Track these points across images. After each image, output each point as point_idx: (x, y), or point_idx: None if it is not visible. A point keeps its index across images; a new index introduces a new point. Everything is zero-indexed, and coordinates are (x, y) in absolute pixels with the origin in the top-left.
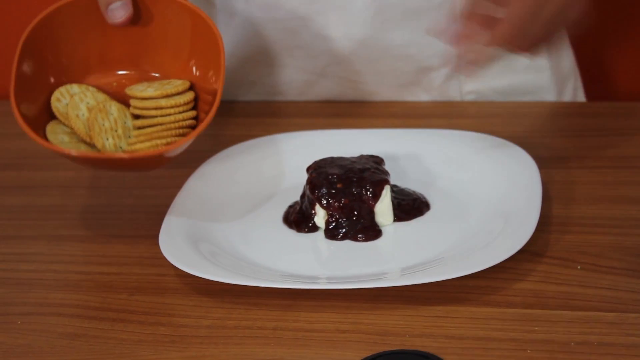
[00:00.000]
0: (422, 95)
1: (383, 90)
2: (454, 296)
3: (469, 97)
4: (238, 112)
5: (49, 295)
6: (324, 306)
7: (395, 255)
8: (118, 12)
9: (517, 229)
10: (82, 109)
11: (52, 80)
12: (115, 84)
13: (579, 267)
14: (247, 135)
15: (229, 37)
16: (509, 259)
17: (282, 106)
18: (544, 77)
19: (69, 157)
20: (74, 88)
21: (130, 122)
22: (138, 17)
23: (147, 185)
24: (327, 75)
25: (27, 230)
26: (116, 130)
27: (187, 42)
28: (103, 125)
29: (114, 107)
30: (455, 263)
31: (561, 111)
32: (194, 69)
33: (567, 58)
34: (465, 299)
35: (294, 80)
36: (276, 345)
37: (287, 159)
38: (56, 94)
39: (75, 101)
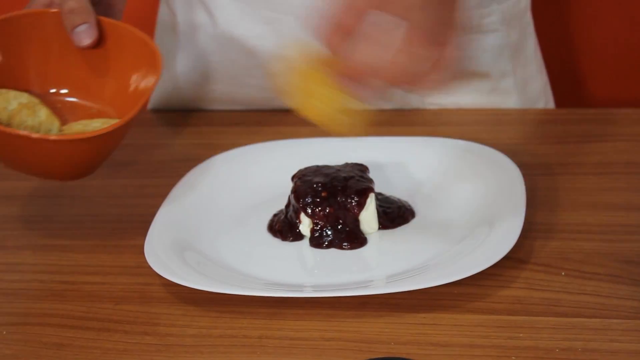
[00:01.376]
0: (382, 105)
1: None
2: (439, 303)
3: (431, 107)
4: (220, 120)
5: (34, 305)
6: (309, 314)
7: (380, 263)
8: (84, 35)
9: (502, 236)
10: (12, 104)
11: None
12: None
13: (563, 273)
14: (232, 144)
15: (192, 50)
16: (493, 266)
17: (267, 115)
18: (509, 99)
19: None
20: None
21: (55, 131)
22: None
23: (131, 195)
24: None
25: (12, 240)
26: (38, 131)
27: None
28: (25, 121)
29: (44, 112)
30: (440, 270)
31: (544, 118)
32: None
33: (537, 79)
34: (450, 306)
35: (259, 98)
36: (262, 354)
37: (272, 167)
38: None
39: (8, 97)
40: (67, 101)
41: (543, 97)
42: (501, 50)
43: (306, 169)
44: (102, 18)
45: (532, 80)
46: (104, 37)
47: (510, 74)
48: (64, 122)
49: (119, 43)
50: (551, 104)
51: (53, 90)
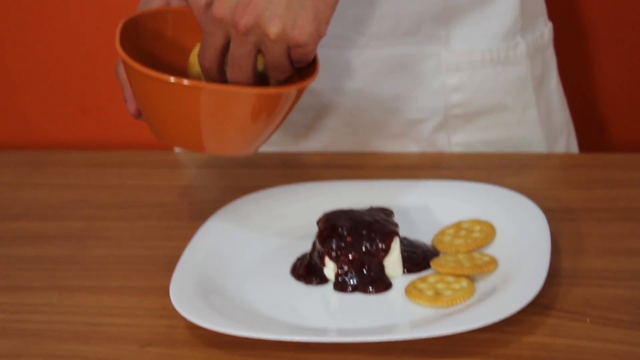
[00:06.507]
0: (410, 146)
1: (372, 142)
2: (464, 350)
3: (457, 149)
4: (246, 162)
5: (60, 346)
6: (333, 359)
7: (405, 308)
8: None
9: (526, 282)
10: None
11: None
12: None
13: (588, 320)
14: (257, 186)
15: None
16: (518, 312)
17: (292, 157)
18: (534, 132)
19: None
20: None
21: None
22: None
23: (157, 237)
24: (316, 128)
25: (39, 280)
26: None
27: None
28: None
29: None
30: (464, 316)
31: (569, 163)
32: None
33: (560, 114)
34: (474, 353)
35: (284, 133)
36: None
37: (296, 210)
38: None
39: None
40: None
41: (565, 130)
42: (525, 83)
43: (331, 212)
44: None
45: (555, 113)
46: None
47: (534, 106)
48: None
49: None
50: (573, 138)
51: None
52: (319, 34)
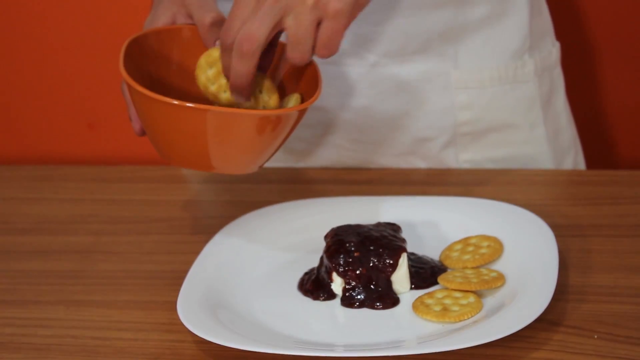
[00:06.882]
0: (418, 163)
1: (379, 159)
2: None
3: (465, 166)
4: (253, 178)
5: None
6: None
7: (412, 323)
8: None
9: (534, 298)
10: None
11: None
12: None
13: (595, 336)
14: (264, 201)
15: None
16: (525, 328)
17: (299, 172)
18: (541, 150)
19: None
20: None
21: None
22: None
23: (164, 251)
24: (324, 144)
25: (46, 295)
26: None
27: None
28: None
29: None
30: (472, 331)
31: (576, 179)
32: None
33: (567, 131)
34: None
35: (292, 149)
36: None
37: (304, 226)
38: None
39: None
40: None
41: (573, 148)
42: (533, 101)
43: (338, 228)
44: None
45: (562, 131)
46: None
47: (542, 125)
48: None
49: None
50: (580, 155)
51: None
52: (359, 5)
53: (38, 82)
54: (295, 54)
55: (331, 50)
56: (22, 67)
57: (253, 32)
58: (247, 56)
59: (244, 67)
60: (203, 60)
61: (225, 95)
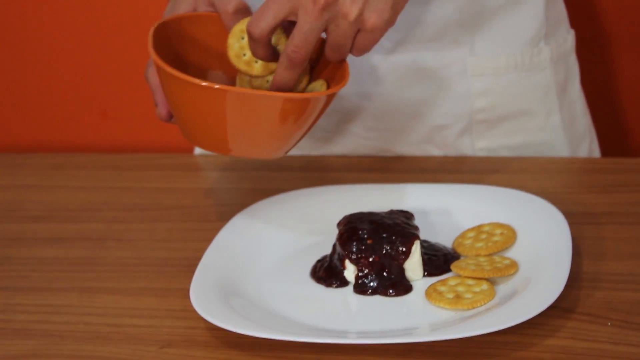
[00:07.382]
0: (434, 151)
1: (396, 147)
2: (484, 352)
3: (481, 154)
4: (266, 165)
5: (80, 347)
6: None
7: (425, 310)
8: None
9: (547, 285)
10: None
11: None
12: None
13: (609, 323)
14: (277, 189)
15: None
16: (539, 315)
17: (313, 160)
18: (557, 137)
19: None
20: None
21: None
22: None
23: (177, 239)
24: (340, 132)
25: (59, 282)
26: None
27: None
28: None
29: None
30: (485, 319)
31: (590, 167)
32: None
33: (582, 119)
34: (495, 355)
35: (308, 136)
36: None
37: (317, 213)
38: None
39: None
40: None
41: (588, 135)
42: (549, 89)
43: (351, 215)
44: None
45: (577, 118)
46: None
47: (557, 112)
48: None
49: None
50: (595, 143)
51: None
52: (391, 22)
53: (51, 71)
54: (333, 55)
55: (364, 52)
56: (35, 57)
57: (305, 46)
58: (297, 67)
59: (293, 75)
60: (237, 28)
61: (257, 65)
